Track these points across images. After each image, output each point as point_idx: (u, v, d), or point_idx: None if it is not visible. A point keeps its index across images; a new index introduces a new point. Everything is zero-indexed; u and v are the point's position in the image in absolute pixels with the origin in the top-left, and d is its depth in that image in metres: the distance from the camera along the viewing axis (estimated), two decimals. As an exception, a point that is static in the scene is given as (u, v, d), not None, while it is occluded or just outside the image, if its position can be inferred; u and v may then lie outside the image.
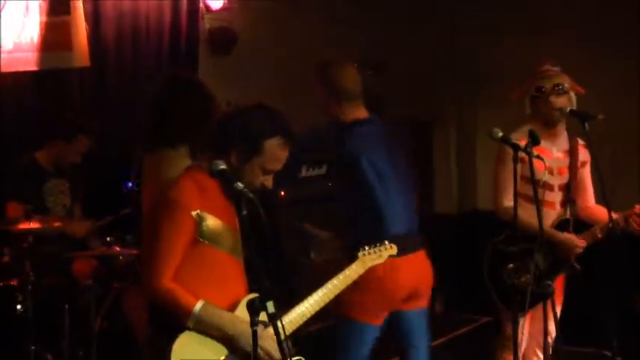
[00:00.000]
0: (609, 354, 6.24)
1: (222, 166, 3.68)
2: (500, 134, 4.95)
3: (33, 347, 5.72)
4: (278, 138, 3.91)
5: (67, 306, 5.87)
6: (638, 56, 8.16)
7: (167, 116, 4.79)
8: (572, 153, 5.69)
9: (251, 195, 3.55)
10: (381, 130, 5.15)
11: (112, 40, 7.25)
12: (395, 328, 5.19)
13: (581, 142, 5.66)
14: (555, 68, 5.74)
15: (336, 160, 5.19)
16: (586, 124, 5.42)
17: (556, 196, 5.66)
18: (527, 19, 8.61)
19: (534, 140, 4.79)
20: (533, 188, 4.85)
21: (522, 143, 4.70)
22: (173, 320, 3.78)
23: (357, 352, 5.14)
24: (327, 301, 4.34)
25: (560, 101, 5.62)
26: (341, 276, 4.47)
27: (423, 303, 5.24)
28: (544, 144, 5.47)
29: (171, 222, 3.79)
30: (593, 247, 5.60)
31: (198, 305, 3.75)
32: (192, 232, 3.80)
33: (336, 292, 4.41)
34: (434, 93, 9.50)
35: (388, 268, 4.87)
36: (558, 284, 5.58)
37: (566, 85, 5.66)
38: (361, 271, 4.59)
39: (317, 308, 4.27)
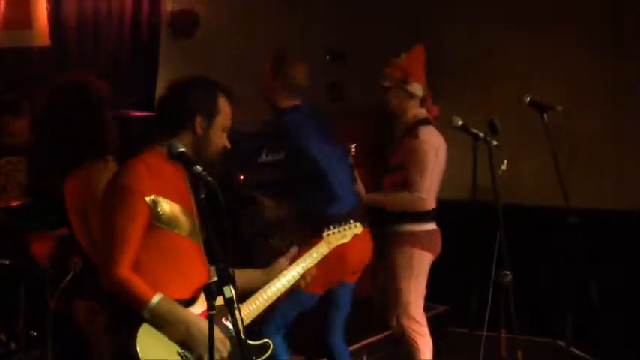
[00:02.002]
0: (563, 344, 6.33)
1: (181, 149, 3.68)
2: (460, 122, 5.00)
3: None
4: (222, 94, 3.99)
5: (22, 286, 5.83)
6: (601, 50, 8.13)
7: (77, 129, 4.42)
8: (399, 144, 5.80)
9: (209, 178, 3.55)
10: (310, 115, 5.36)
11: (74, 21, 7.17)
12: (330, 294, 5.44)
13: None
14: (397, 59, 5.74)
15: (288, 152, 5.34)
16: (544, 115, 5.44)
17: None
18: (488, 8, 8.59)
19: (493, 130, 4.84)
20: (492, 178, 4.88)
21: None
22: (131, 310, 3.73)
23: (294, 314, 5.37)
24: (292, 283, 4.37)
25: (383, 97, 5.72)
26: (307, 258, 4.50)
27: (356, 277, 5.54)
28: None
29: (124, 209, 3.74)
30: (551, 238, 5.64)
31: (156, 298, 3.69)
32: (147, 218, 3.76)
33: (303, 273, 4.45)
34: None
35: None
36: None
37: (387, 82, 5.66)
38: (326, 251, 4.63)
39: (282, 291, 4.30)
